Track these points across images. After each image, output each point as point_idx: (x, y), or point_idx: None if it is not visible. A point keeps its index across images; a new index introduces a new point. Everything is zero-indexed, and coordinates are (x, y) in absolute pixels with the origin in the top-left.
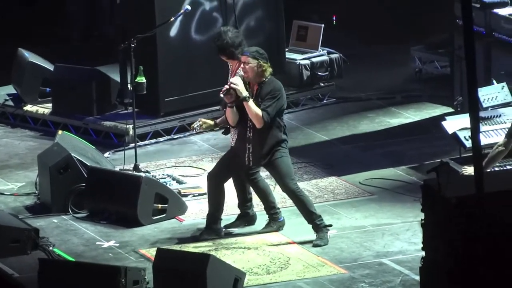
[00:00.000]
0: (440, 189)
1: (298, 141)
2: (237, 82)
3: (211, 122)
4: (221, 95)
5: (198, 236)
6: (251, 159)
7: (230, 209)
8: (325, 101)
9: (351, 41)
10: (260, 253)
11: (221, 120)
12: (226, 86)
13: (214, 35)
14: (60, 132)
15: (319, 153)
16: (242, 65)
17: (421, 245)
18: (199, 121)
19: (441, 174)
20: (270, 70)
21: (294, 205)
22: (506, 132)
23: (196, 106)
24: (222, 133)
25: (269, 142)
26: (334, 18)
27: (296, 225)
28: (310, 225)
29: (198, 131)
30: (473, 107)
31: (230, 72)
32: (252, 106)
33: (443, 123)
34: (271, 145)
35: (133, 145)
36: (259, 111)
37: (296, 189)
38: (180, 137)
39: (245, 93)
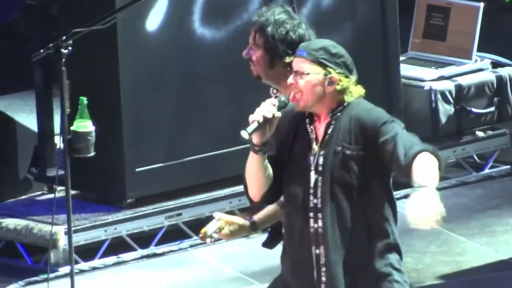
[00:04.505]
0: None
1: (431, 256)
2: (263, 110)
3: (241, 221)
4: (244, 135)
5: None
6: None
7: None
8: (486, 171)
9: None
10: None
11: (262, 216)
12: (253, 117)
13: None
14: None
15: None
16: (290, 78)
17: None
18: (217, 220)
19: None
20: (358, 90)
21: None
22: None
23: (206, 183)
24: (263, 244)
25: (370, 253)
26: None
27: None
28: None
29: (215, 239)
30: None
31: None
32: None
33: None
34: (375, 261)
35: (64, 269)
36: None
37: None
38: (172, 251)
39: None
